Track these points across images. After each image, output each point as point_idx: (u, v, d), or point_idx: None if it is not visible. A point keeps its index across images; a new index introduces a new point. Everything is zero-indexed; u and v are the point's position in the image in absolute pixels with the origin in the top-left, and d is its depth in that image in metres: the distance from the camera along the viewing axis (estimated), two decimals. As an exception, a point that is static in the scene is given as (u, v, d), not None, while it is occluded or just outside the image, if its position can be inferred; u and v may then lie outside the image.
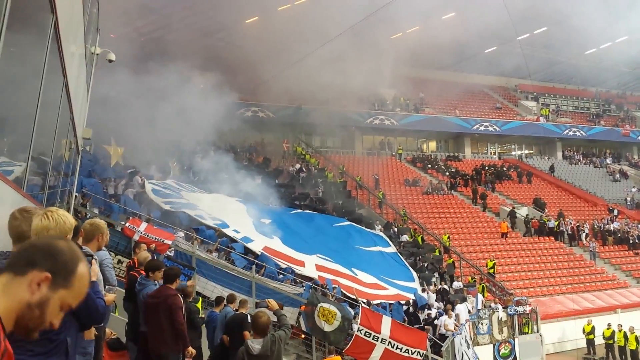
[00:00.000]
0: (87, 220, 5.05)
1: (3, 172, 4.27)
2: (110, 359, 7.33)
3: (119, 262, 11.92)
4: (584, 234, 31.65)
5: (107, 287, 5.43)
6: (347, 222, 24.81)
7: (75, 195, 13.46)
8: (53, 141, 7.38)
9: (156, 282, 6.53)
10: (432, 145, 44.82)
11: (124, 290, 8.54)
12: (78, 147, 11.39)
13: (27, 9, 4.73)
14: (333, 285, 16.63)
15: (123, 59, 15.76)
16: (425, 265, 23.74)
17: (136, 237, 12.78)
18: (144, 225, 13.59)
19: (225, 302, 10.07)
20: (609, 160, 46.40)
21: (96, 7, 11.46)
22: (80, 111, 10.70)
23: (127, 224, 13.51)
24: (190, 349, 6.38)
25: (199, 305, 9.86)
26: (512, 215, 31.76)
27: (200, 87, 29.71)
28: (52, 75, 6.13)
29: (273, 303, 6.19)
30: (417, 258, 24.18)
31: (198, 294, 12.47)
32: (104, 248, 6.13)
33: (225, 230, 18.45)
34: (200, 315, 8.66)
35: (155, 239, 12.95)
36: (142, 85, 24.44)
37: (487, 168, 39.02)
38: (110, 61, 12.50)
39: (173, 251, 13.59)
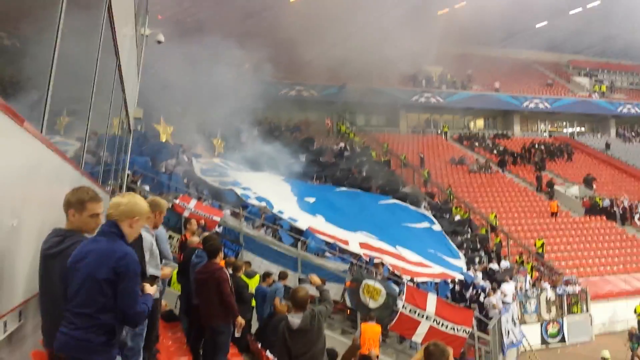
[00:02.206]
0: (149, 198, 5.32)
1: (62, 151, 4.48)
2: (164, 329, 7.67)
3: (170, 237, 12.30)
4: (638, 214, 30.55)
5: (163, 261, 5.68)
6: (393, 200, 24.70)
7: (127, 173, 13.93)
8: (107, 121, 7.66)
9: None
10: (480, 123, 43.90)
11: (176, 265, 8.86)
12: (130, 126, 11.75)
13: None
14: (376, 262, 16.68)
15: (170, 40, 16.04)
16: (471, 244, 23.48)
17: (186, 214, 13.15)
18: (193, 202, 13.97)
19: (276, 277, 10.32)
20: (666, 138, 44.41)
21: (145, -11, 11.71)
22: (132, 91, 11.02)
23: (177, 201, 13.90)
24: (240, 319, 6.58)
25: (255, 280, 10.10)
26: (550, 186, 31.00)
27: (245, 67, 29.99)
28: (106, 56, 6.34)
29: (315, 279, 6.20)
30: (463, 237, 23.93)
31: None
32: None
33: (270, 210, 18.73)
34: (249, 291, 8.88)
35: (205, 215, 13.30)
36: (188, 66, 24.88)
37: (537, 146, 37.98)
38: (159, 42, 12.76)
39: (221, 228, 13.92)
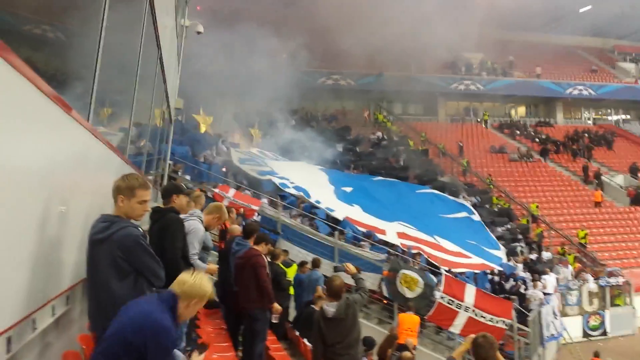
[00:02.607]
0: (214, 203, 5.75)
1: (108, 140, 4.59)
2: (204, 316, 7.83)
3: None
4: (685, 204, 29.42)
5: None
6: (430, 190, 24.47)
7: (169, 163, 14.20)
8: (150, 111, 7.82)
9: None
10: (521, 110, 42.87)
11: (217, 253, 9.02)
12: (171, 116, 11.97)
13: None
14: (414, 252, 16.60)
15: (208, 30, 16.19)
16: (512, 234, 23.08)
17: (225, 203, 13.33)
18: (232, 191, 14.17)
19: (310, 265, 10.40)
20: None
21: (185, -19, 11.84)
22: (173, 82, 11.20)
23: (216, 190, 14.11)
24: (276, 305, 6.66)
25: (292, 269, 10.20)
26: (597, 177, 30.20)
27: (283, 57, 30.07)
28: (149, 47, 6.46)
29: (350, 267, 6.18)
30: (504, 227, 23.55)
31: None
32: (199, 214, 6.52)
33: (308, 199, 18.83)
34: (287, 278, 8.97)
35: (243, 204, 13.46)
36: (226, 56, 25.11)
37: (581, 134, 36.91)
38: (199, 33, 12.91)
39: (260, 217, 14.07)
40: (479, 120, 38.88)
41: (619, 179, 31.76)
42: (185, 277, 2.95)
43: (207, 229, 5.77)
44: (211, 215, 5.87)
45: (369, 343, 7.04)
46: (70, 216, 3.34)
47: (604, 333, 19.77)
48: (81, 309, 3.86)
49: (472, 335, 4.28)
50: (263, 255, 6.70)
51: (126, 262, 3.27)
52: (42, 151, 2.60)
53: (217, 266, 6.08)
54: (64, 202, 3.14)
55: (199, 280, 2.93)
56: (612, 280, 20.18)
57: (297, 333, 8.59)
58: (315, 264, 10.63)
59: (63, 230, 3.21)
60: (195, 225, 5.41)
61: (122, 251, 3.25)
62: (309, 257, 12.68)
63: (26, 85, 2.22)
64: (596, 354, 15.46)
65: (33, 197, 2.59)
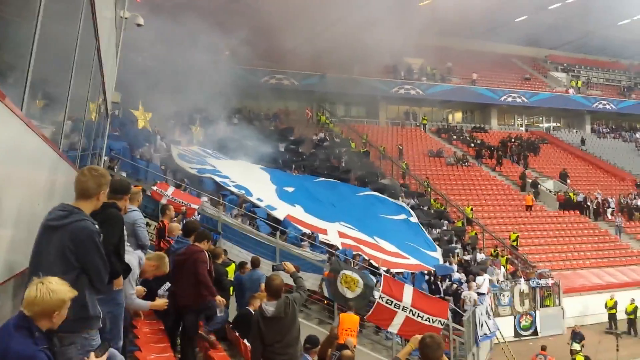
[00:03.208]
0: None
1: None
2: (142, 316, 7.57)
3: (147, 224, 12.15)
4: (610, 209, 31.21)
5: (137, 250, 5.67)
6: (371, 192, 24.83)
7: (104, 159, 13.71)
8: (85, 104, 7.50)
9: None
10: (458, 116, 44.26)
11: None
12: (107, 110, 11.55)
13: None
14: (354, 253, 16.76)
15: (149, 24, 15.75)
16: (447, 236, 23.73)
17: (163, 201, 13.02)
18: (171, 189, 13.84)
19: (250, 265, 10.28)
20: (638, 135, 45.30)
21: (126, -30, 11.46)
22: (110, 75, 10.82)
23: (155, 188, 13.74)
24: (219, 297, 6.60)
25: (231, 269, 10.05)
26: (534, 186, 31.54)
27: (225, 54, 29.66)
28: (86, 38, 6.20)
29: (289, 266, 6.13)
30: (440, 229, 24.18)
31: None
32: (136, 208, 6.32)
33: (249, 198, 18.67)
34: (228, 278, 8.84)
35: (182, 202, 13.17)
36: (167, 51, 24.51)
37: (513, 140, 38.46)
38: (139, 25, 12.52)
39: (200, 216, 13.81)
40: (418, 124, 39.79)
41: (549, 184, 33.31)
42: (30, 296, 2.72)
43: (141, 274, 5.60)
44: (151, 262, 5.70)
45: (313, 341, 7.06)
46: (1, 209, 3.14)
47: (535, 333, 20.66)
48: (13, 306, 3.65)
49: (418, 336, 4.34)
50: (205, 252, 6.60)
51: (74, 255, 3.17)
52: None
53: (164, 302, 5.90)
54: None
55: (47, 293, 2.72)
56: (542, 282, 21.10)
57: (237, 334, 8.48)
58: (255, 263, 10.52)
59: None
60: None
61: (73, 243, 3.16)
62: (249, 257, 12.53)
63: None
64: (543, 348, 16.14)
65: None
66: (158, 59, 25.39)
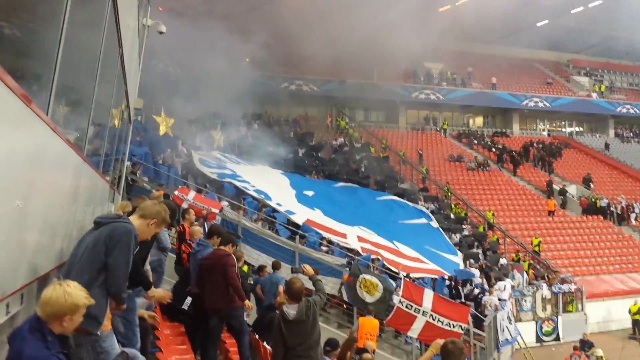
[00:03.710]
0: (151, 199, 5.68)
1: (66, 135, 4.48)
2: (163, 318, 7.70)
3: (168, 228, 12.33)
4: (634, 214, 30.68)
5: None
6: (390, 196, 24.77)
7: (127, 164, 13.93)
8: (109, 110, 7.67)
9: (214, 246, 6.86)
10: (479, 120, 43.94)
11: (175, 256, 8.90)
12: (130, 116, 11.75)
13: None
14: (372, 257, 16.75)
15: (170, 32, 16.04)
16: (468, 241, 23.56)
17: (185, 205, 13.15)
18: (192, 193, 13.99)
19: (270, 269, 10.37)
20: (664, 139, 44.52)
21: (148, -21, 11.68)
22: (133, 82, 11.02)
23: (176, 192, 13.92)
24: (248, 302, 6.67)
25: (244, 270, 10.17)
26: (562, 194, 31.09)
27: (246, 60, 29.95)
28: (110, 45, 6.35)
29: (308, 268, 6.20)
30: (461, 234, 24.01)
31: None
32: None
33: (269, 203, 18.79)
34: (249, 282, 8.93)
35: (203, 207, 13.32)
36: (189, 58, 24.85)
37: (535, 145, 38.06)
38: (161, 33, 12.72)
39: (220, 220, 13.95)
40: (438, 129, 39.59)
41: (572, 189, 32.86)
42: (45, 296, 2.73)
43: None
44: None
45: (333, 344, 7.13)
46: (27, 212, 3.26)
47: (557, 338, 20.38)
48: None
49: (440, 340, 4.33)
50: (232, 255, 6.69)
51: (105, 248, 3.34)
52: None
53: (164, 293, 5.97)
54: (22, 197, 3.06)
55: (62, 295, 2.72)
56: (565, 287, 20.82)
57: (257, 336, 8.54)
58: (275, 266, 10.61)
59: (19, 227, 3.13)
60: None
61: (109, 237, 3.35)
62: (269, 261, 12.63)
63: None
64: (575, 348, 15.93)
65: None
66: (179, 66, 25.76)
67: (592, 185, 33.26)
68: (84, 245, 3.50)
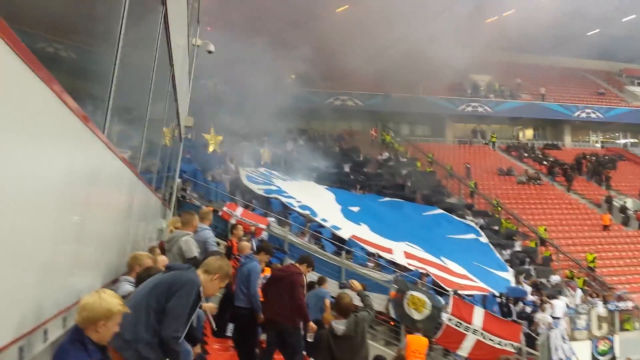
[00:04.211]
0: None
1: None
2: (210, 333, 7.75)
3: (217, 243, 12.50)
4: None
5: None
6: (439, 211, 24.39)
7: (177, 181, 14.26)
8: (161, 128, 7.88)
9: (261, 262, 6.95)
10: (529, 133, 42.84)
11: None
12: (181, 134, 12.04)
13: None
14: (421, 272, 16.50)
15: (219, 51, 16.43)
16: (520, 257, 22.92)
17: (233, 221, 13.34)
18: (240, 209, 14.19)
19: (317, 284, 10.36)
20: None
21: (197, 0, 12.00)
22: (184, 100, 11.30)
23: (224, 208, 14.14)
24: (312, 324, 6.66)
25: None
26: (623, 211, 29.86)
27: (292, 77, 30.31)
28: (162, 65, 6.54)
29: (356, 284, 6.17)
30: (512, 249, 23.39)
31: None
32: (208, 227, 6.55)
33: (315, 218, 18.82)
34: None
35: (251, 222, 13.46)
36: (237, 76, 25.34)
37: (588, 157, 36.81)
38: (210, 52, 13.03)
39: (267, 235, 14.05)
40: (486, 142, 38.86)
41: (628, 203, 31.56)
42: (82, 301, 2.81)
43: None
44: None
45: (380, 361, 7.07)
46: (84, 230, 3.35)
47: (613, 358, 19.44)
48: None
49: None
50: (304, 276, 6.71)
51: (167, 292, 3.43)
52: (60, 160, 2.63)
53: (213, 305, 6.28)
54: (79, 213, 3.16)
55: (98, 300, 2.78)
56: (621, 305, 19.93)
57: (304, 353, 8.51)
58: (320, 282, 10.60)
59: (77, 241, 3.22)
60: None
61: (173, 280, 3.47)
62: (315, 277, 12.62)
63: (48, 94, 2.26)
64: None
65: (49, 206, 2.61)
66: (227, 83, 26.28)
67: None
68: (149, 281, 3.62)
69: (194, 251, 5.90)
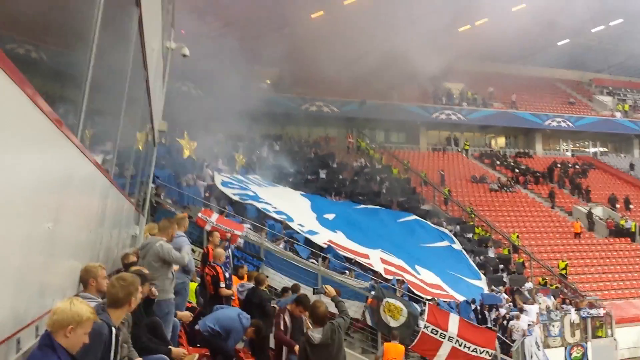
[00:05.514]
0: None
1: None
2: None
3: (193, 250, 12.30)
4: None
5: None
6: (413, 217, 24.48)
7: (151, 186, 13.99)
8: (135, 133, 7.70)
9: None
10: (501, 141, 43.51)
11: (199, 278, 8.83)
12: (155, 139, 11.82)
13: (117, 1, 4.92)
14: (397, 278, 16.52)
15: (193, 55, 16.24)
16: (493, 264, 23.13)
17: (208, 227, 13.15)
18: (215, 215, 13.98)
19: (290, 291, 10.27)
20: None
21: (172, 3, 11.81)
22: (158, 105, 11.10)
23: (199, 215, 13.93)
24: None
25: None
26: (589, 217, 30.44)
27: (267, 82, 30.20)
28: (136, 69, 6.39)
29: (330, 289, 6.12)
30: (485, 256, 23.60)
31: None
32: (183, 234, 6.40)
33: (290, 224, 18.71)
34: (272, 304, 8.81)
35: (226, 229, 13.27)
36: (210, 80, 25.12)
37: (559, 165, 37.50)
38: (185, 56, 12.82)
39: (243, 242, 13.89)
40: (460, 149, 39.29)
41: (598, 211, 32.19)
42: (55, 306, 2.78)
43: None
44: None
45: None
46: (55, 236, 3.21)
47: (587, 365, 19.74)
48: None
49: None
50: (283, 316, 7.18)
51: None
52: (32, 164, 2.51)
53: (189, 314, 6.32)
54: (52, 220, 3.02)
55: (68, 305, 2.76)
56: (593, 312, 20.23)
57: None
58: (295, 289, 10.51)
59: (49, 249, 3.08)
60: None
61: None
62: (291, 284, 12.51)
63: (21, 97, 2.14)
64: None
65: (21, 212, 2.49)
66: (201, 89, 26.04)
67: (618, 206, 32.57)
68: None
69: (174, 254, 5.80)
